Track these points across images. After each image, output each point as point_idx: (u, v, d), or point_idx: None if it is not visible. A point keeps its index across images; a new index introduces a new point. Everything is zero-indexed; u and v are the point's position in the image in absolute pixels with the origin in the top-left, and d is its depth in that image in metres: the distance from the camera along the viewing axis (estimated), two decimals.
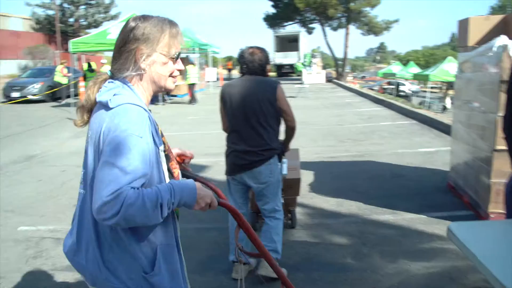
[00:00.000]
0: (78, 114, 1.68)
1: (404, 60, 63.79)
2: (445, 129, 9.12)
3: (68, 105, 16.26)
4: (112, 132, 1.45)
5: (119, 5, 40.01)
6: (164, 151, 1.65)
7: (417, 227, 4.48)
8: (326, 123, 11.65)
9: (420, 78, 30.38)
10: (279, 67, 37.59)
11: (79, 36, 24.06)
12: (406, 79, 37.00)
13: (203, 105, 16.91)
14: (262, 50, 3.54)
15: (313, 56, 32.43)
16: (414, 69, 35.64)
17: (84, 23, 38.24)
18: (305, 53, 32.34)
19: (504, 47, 3.96)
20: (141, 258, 1.56)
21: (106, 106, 1.52)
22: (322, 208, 5.19)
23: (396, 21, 35.48)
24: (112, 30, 15.69)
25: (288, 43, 36.08)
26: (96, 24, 37.29)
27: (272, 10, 37.42)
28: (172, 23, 1.65)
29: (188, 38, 19.20)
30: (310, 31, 38.56)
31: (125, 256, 1.55)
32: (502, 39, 4.00)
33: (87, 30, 36.30)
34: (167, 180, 1.62)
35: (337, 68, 37.86)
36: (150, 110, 1.62)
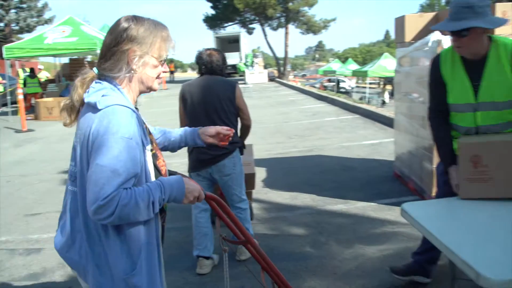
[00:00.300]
0: (65, 114, 1.69)
1: (343, 58, 65.75)
2: (387, 121, 9.56)
3: (5, 113, 15.57)
4: (101, 134, 1.49)
5: (52, 8, 38.27)
6: (152, 150, 1.70)
7: (369, 214, 4.73)
8: (272, 121, 11.86)
9: (359, 75, 31.48)
10: None
11: (11, 41, 22.99)
12: (346, 76, 38.20)
13: (147, 109, 16.69)
14: (219, 52, 3.77)
15: (254, 56, 32.75)
16: (353, 65, 36.91)
17: (16, 27, 36.48)
18: (247, 53, 32.60)
19: (438, 42, 4.26)
20: (126, 257, 1.60)
21: (94, 107, 1.55)
22: (277, 202, 5.34)
23: (333, 19, 36.41)
24: (49, 35, 15.13)
25: (229, 44, 36.13)
26: (29, 29, 35.64)
27: (212, 11, 37.37)
28: (164, 27, 1.70)
29: None
30: (250, 31, 38.82)
31: (112, 253, 1.59)
32: (436, 35, 4.30)
33: (20, 35, 34.67)
34: (153, 178, 1.66)
35: (278, 67, 38.39)
36: (137, 109, 1.65)
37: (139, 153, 1.55)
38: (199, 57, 3.73)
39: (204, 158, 3.63)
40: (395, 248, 3.90)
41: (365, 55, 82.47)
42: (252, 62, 30.23)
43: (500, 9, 4.54)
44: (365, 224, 4.49)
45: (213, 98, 3.62)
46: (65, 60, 20.46)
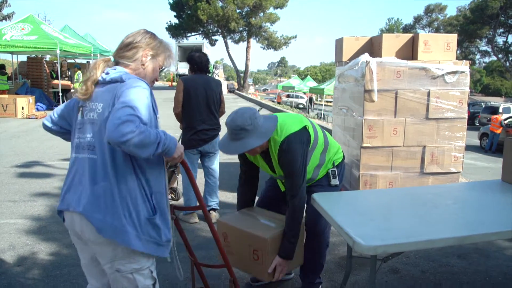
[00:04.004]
0: (90, 84, 2.06)
1: (303, 75, 67.22)
2: (330, 134, 10.18)
3: None
4: (127, 88, 1.93)
5: (12, 5, 37.46)
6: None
7: None
8: (225, 129, 12.27)
9: (316, 92, 32.39)
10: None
11: None
12: (305, 93, 39.19)
13: None
14: (205, 55, 4.90)
15: (215, 67, 33.21)
16: (311, 83, 37.86)
17: None
18: None
19: (367, 63, 4.86)
20: (146, 204, 2.00)
21: (118, 81, 2.00)
22: (221, 201, 5.76)
23: (294, 37, 37.49)
24: (7, 31, 15.12)
25: None
26: None
27: (175, 20, 37.65)
28: (171, 48, 2.28)
29: (89, 43, 18.96)
30: (213, 42, 39.34)
31: (135, 204, 1.98)
32: (365, 56, 4.91)
33: None
34: None
35: (239, 80, 39.02)
36: None
37: (150, 109, 1.97)
38: (192, 58, 4.77)
39: (204, 137, 4.74)
40: None
41: (324, 73, 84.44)
42: (212, 73, 30.66)
43: (422, 39, 5.20)
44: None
45: (212, 92, 4.73)
46: (23, 58, 20.30)
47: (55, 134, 2.35)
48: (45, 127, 2.32)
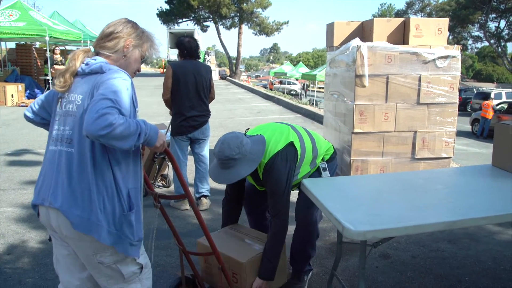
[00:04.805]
0: (68, 76, 2.01)
1: (295, 61, 66.99)
2: (323, 120, 10.18)
3: None
4: (106, 79, 1.88)
5: None
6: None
7: (292, 199, 5.21)
8: (217, 116, 12.24)
9: (308, 78, 32.29)
10: None
11: None
12: (297, 79, 39.10)
13: None
14: (195, 40, 4.81)
15: (206, 53, 32.98)
16: (303, 69, 37.76)
17: None
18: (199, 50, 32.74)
19: (358, 47, 4.83)
20: (121, 199, 1.96)
21: (98, 72, 1.95)
22: (212, 187, 5.73)
23: (286, 22, 37.26)
24: None
25: None
26: None
27: (166, 6, 37.26)
28: (154, 37, 2.24)
29: (78, 30, 18.73)
30: (204, 29, 39.02)
31: (111, 199, 1.94)
32: (356, 41, 4.87)
33: None
34: None
35: (231, 66, 38.80)
36: None
37: (130, 101, 1.92)
38: (181, 43, 4.69)
39: (194, 124, 4.70)
40: None
41: (317, 59, 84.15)
42: (204, 59, 30.49)
43: (413, 23, 5.17)
44: None
45: (201, 79, 4.68)
46: (11, 45, 20.02)
47: (37, 125, 2.30)
48: (27, 117, 2.26)
